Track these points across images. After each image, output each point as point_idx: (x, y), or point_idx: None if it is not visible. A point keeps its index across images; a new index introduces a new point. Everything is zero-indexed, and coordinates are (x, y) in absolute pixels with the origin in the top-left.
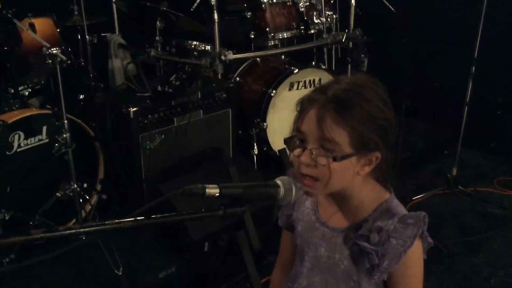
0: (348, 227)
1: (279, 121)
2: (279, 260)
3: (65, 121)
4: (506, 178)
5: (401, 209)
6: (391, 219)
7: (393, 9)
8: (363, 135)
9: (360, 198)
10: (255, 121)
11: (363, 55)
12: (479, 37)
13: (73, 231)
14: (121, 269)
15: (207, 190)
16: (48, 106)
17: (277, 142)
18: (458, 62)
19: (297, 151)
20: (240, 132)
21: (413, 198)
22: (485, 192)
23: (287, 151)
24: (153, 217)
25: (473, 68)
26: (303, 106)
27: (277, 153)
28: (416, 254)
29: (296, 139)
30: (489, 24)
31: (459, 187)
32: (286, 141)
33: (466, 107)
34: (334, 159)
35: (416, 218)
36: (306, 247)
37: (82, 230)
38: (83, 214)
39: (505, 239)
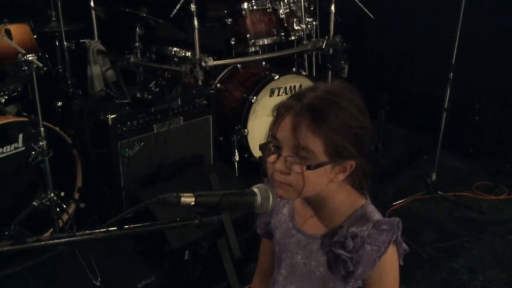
0: (323, 234)
1: (260, 127)
2: (258, 268)
3: (42, 129)
4: (484, 182)
5: (376, 215)
6: (365, 225)
7: (372, 16)
8: (338, 143)
9: (335, 204)
10: (236, 127)
11: (343, 62)
12: (456, 43)
13: (43, 242)
14: (99, 278)
15: (182, 199)
16: (24, 114)
17: (258, 149)
18: (436, 68)
19: (272, 157)
20: (221, 138)
21: (393, 204)
22: (464, 196)
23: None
24: (126, 227)
25: (451, 74)
26: (279, 112)
27: (258, 160)
28: (390, 260)
29: (271, 145)
30: (467, 30)
31: (439, 192)
32: (261, 147)
33: (445, 113)
34: (308, 168)
35: (389, 224)
36: (284, 255)
37: (51, 242)
38: (61, 223)
39: (484, 244)
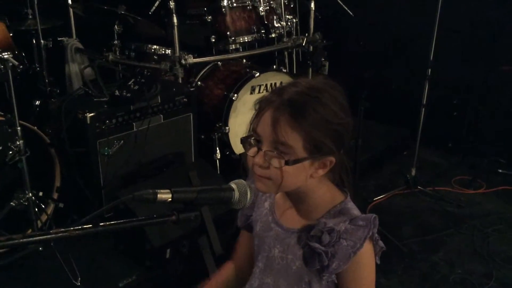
0: (301, 228)
1: (241, 125)
2: (233, 257)
3: (18, 128)
4: (463, 177)
5: (355, 212)
6: (342, 220)
7: (351, 13)
8: (317, 139)
9: (314, 199)
10: (217, 125)
11: (323, 59)
12: (434, 40)
13: (15, 241)
14: (79, 278)
15: (158, 195)
16: (1, 113)
17: (239, 146)
18: (414, 65)
19: (252, 151)
20: (202, 136)
21: (374, 199)
22: (443, 191)
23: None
24: (102, 224)
25: (429, 70)
26: (260, 107)
27: (239, 157)
28: (366, 257)
29: (252, 139)
30: (444, 27)
31: (418, 187)
32: (242, 140)
33: (423, 109)
34: (287, 163)
35: (366, 220)
36: (261, 248)
37: (25, 240)
38: (39, 223)
39: (463, 237)
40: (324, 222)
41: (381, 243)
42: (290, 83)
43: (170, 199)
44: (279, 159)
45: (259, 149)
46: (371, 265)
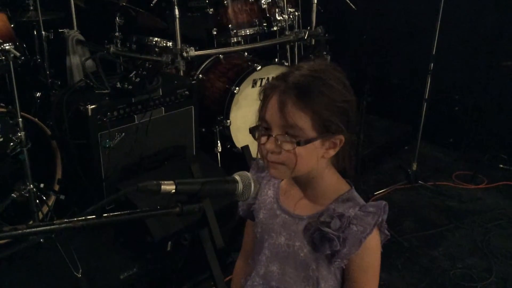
0: (310, 215)
1: (243, 118)
2: (242, 250)
3: (20, 120)
4: (463, 172)
5: (362, 201)
6: (352, 207)
7: (354, 7)
8: (325, 118)
9: (323, 185)
10: (218, 118)
11: (325, 53)
12: (437, 34)
13: (20, 231)
14: (80, 270)
15: (162, 186)
16: (2, 104)
17: (240, 139)
18: (417, 60)
19: (262, 139)
20: (203, 129)
21: (375, 193)
22: (444, 186)
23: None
24: (105, 215)
25: (431, 65)
26: (265, 94)
27: (241, 150)
28: (374, 243)
29: (261, 127)
30: (447, 21)
31: (419, 181)
32: (251, 130)
33: (425, 104)
34: (298, 144)
35: (376, 206)
36: (266, 235)
37: (29, 230)
38: (40, 215)
39: (463, 232)
40: (333, 208)
41: (386, 231)
42: (293, 67)
43: (174, 191)
44: (290, 142)
45: (269, 135)
46: (378, 252)
